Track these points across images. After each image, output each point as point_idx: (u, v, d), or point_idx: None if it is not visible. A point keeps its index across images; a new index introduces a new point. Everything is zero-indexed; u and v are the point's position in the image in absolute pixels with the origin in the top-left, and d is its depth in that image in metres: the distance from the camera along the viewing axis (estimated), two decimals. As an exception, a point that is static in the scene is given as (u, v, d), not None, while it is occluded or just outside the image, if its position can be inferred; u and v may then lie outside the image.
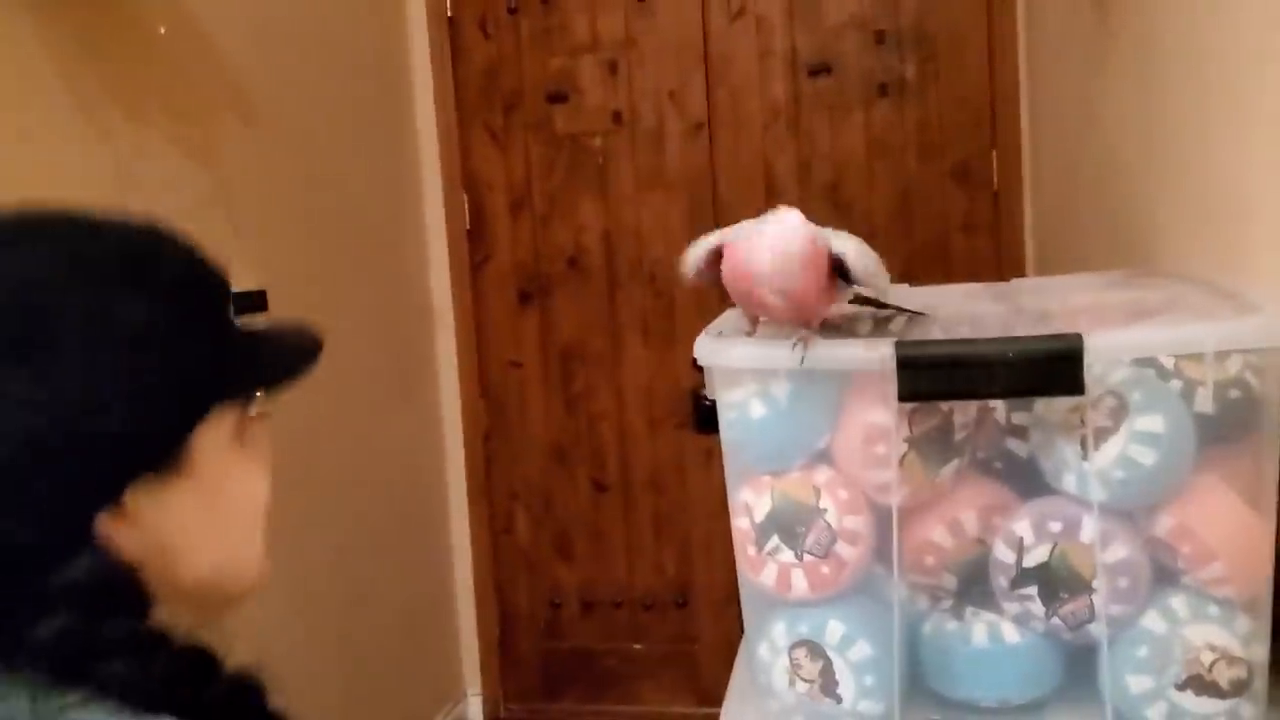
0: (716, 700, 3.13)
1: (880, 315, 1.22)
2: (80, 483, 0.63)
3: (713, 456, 2.88)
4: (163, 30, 1.85)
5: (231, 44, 2.06)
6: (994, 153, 2.71)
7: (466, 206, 2.98)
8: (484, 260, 3.00)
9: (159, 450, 0.66)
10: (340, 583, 2.36)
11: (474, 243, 3.00)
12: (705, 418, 2.78)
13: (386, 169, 2.80)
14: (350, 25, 2.62)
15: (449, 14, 2.93)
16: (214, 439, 0.69)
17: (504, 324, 3.02)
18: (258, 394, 0.73)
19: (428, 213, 2.99)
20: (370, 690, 2.52)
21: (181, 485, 0.67)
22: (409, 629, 2.78)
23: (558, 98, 2.91)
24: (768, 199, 2.71)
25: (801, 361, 0.98)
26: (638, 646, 3.04)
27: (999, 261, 2.70)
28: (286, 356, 0.77)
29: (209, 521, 0.70)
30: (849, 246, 1.01)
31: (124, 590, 0.64)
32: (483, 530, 3.08)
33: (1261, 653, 0.96)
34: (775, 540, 1.03)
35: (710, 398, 1.08)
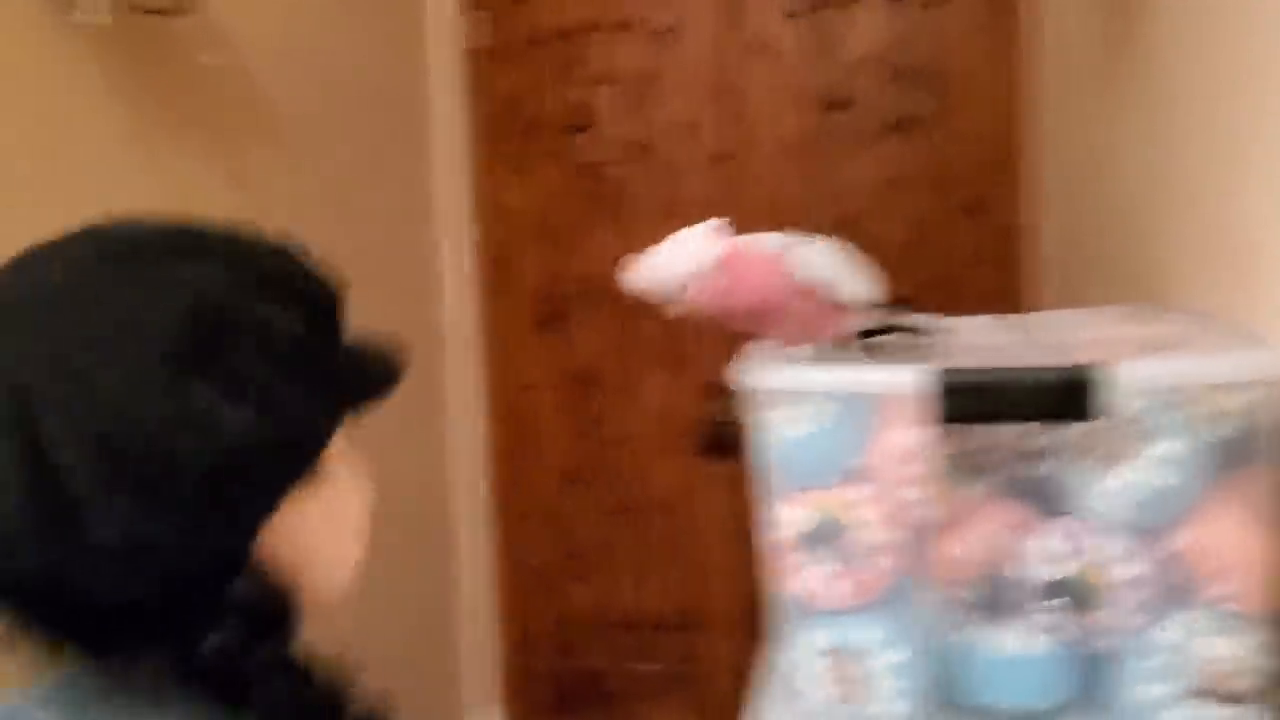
0: (725, 720, 3.17)
1: (907, 343, 1.28)
2: (257, 492, 0.65)
3: (725, 482, 2.95)
4: (207, 60, 1.92)
5: (268, 74, 2.13)
6: (1006, 188, 2.78)
7: (486, 233, 3.05)
8: (502, 286, 3.07)
9: (310, 460, 0.69)
10: (353, 601, 2.41)
11: (493, 269, 3.07)
12: (719, 444, 2.86)
13: (409, 196, 2.87)
14: (375, 57, 2.70)
15: (470, 45, 3.01)
16: (337, 446, 0.72)
17: (521, 349, 3.08)
18: (374, 400, 0.76)
19: (448, 239, 3.06)
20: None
21: (315, 493, 0.70)
22: (422, 648, 2.82)
23: (577, 128, 2.98)
24: (783, 230, 2.77)
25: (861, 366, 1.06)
26: (649, 667, 3.09)
27: (1010, 295, 2.76)
28: (385, 363, 0.80)
29: (330, 526, 0.74)
30: (804, 251, 1.09)
31: (283, 610, 0.66)
32: (497, 551, 3.13)
33: (1269, 664, 1.02)
34: (812, 552, 1.10)
35: (738, 421, 1.14)
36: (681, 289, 1.09)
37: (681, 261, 1.08)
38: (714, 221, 1.08)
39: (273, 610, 0.66)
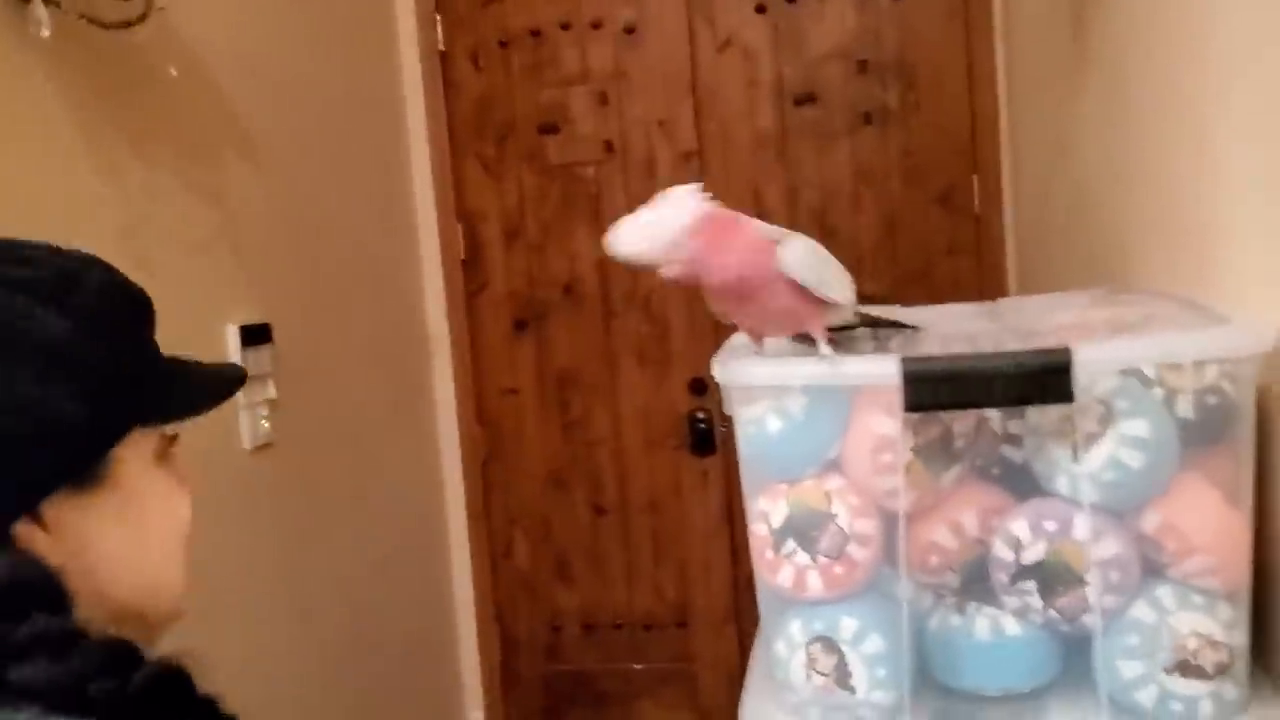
0: (716, 716, 3.18)
1: (880, 334, 1.30)
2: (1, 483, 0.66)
3: (709, 478, 2.96)
4: (174, 72, 1.90)
5: (234, 84, 2.11)
6: (975, 178, 2.80)
7: (461, 236, 3.05)
8: (479, 289, 3.07)
9: (76, 462, 0.69)
10: (342, 608, 2.41)
11: (469, 272, 3.06)
12: (702, 440, 2.85)
13: (383, 202, 2.87)
14: (346, 61, 2.69)
15: (441, 48, 3.00)
16: (136, 458, 0.73)
17: (500, 352, 3.08)
18: (177, 419, 0.76)
19: (423, 243, 3.05)
20: (373, 716, 2.56)
21: (103, 500, 0.71)
22: (411, 654, 2.82)
23: (549, 129, 2.99)
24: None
25: (832, 362, 1.07)
26: (638, 667, 3.09)
27: (981, 283, 2.79)
28: (208, 385, 0.80)
29: (130, 539, 0.73)
30: (794, 245, 1.09)
31: (40, 591, 0.64)
32: (483, 555, 3.13)
33: (1241, 638, 1.04)
34: (791, 544, 1.11)
35: (725, 415, 1.15)
36: (667, 247, 1.08)
37: (665, 220, 1.08)
38: (692, 185, 1.09)
39: (29, 589, 0.64)
